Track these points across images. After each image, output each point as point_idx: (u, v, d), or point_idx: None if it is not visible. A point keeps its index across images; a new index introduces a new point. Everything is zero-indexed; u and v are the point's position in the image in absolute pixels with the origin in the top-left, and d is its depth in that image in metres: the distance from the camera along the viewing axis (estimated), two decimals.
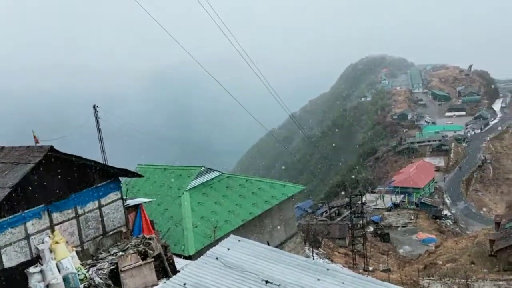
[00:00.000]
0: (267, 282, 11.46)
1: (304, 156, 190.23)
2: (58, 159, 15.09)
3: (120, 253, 15.58)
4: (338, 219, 77.20)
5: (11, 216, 13.93)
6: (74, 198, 15.71)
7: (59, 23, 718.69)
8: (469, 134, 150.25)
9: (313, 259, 37.40)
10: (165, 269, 16.03)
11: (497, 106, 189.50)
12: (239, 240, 13.92)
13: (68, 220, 15.57)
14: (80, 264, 15.02)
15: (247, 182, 28.67)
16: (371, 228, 73.76)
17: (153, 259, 15.52)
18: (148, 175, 27.60)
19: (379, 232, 72.34)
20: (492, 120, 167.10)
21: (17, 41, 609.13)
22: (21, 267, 14.10)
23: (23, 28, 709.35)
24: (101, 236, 16.58)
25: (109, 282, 14.74)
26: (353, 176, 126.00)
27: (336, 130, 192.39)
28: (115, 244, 16.64)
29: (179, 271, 14.05)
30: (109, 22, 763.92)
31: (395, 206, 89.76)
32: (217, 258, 12.78)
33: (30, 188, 14.37)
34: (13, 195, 13.84)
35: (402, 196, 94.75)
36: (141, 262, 15.14)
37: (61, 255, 14.38)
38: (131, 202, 18.75)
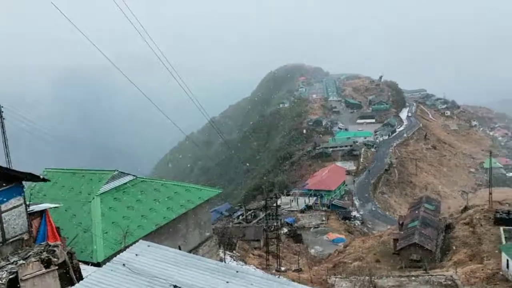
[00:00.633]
0: (175, 286, 11.38)
1: (223, 160, 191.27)
2: None
3: (21, 262, 14.95)
4: (254, 221, 78.69)
5: None
6: None
7: None
8: (377, 140, 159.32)
9: (226, 262, 37.98)
10: (70, 277, 15.61)
11: (403, 114, 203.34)
12: (148, 245, 13.61)
13: None
14: None
15: (162, 186, 28.44)
16: (285, 230, 75.94)
17: (57, 267, 15.04)
18: (55, 180, 26.46)
19: (292, 233, 74.70)
20: (399, 127, 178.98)
21: None
22: None
23: None
24: (0, 244, 15.81)
25: None
26: (269, 180, 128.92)
27: (255, 135, 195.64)
28: (15, 252, 15.95)
29: None
30: (25, 21, 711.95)
31: (308, 208, 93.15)
32: (124, 265, 12.40)
33: None
34: None
35: (315, 198, 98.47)
36: (43, 270, 14.62)
37: None
38: (35, 207, 18.00)
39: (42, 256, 15.17)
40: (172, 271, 12.16)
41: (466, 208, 67.07)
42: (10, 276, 14.37)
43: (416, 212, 65.15)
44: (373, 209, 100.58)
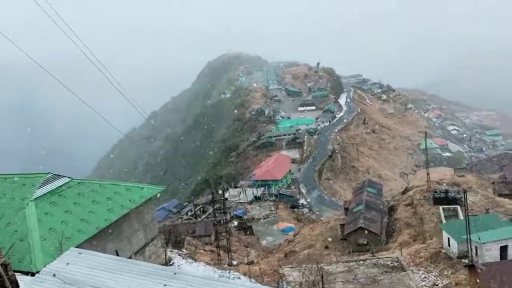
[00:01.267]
0: None
1: (168, 155, 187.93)
2: None
3: None
4: (203, 216, 77.94)
5: None
6: None
7: None
8: (319, 127, 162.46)
9: (174, 261, 37.19)
10: None
11: (342, 100, 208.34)
12: (80, 253, 12.95)
13: None
14: None
15: (101, 187, 27.22)
16: (235, 223, 75.84)
17: None
18: None
19: (243, 225, 74.72)
20: (339, 113, 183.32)
21: None
22: None
23: None
24: None
25: None
26: (216, 173, 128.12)
27: (198, 127, 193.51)
28: None
29: None
30: None
31: (257, 199, 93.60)
32: (54, 275, 11.67)
33: None
34: None
35: (262, 188, 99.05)
36: None
37: None
38: None
39: None
40: (106, 279, 11.66)
41: (406, 190, 69.79)
42: None
43: (360, 196, 67.02)
44: (320, 195, 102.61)
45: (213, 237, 62.50)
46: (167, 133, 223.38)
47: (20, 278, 15.80)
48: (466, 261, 35.48)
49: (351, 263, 48.39)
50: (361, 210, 59.91)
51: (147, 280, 11.54)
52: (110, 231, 24.84)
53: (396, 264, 44.21)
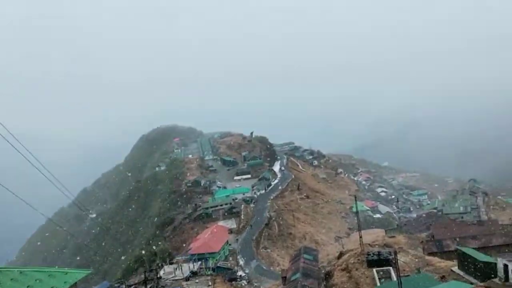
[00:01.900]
0: None
1: (99, 234, 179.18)
2: None
3: None
4: None
5: None
6: None
7: None
8: (255, 195, 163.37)
9: None
10: None
11: (276, 167, 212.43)
12: None
13: None
14: None
15: (21, 274, 25.55)
16: None
17: None
18: None
19: None
20: (274, 181, 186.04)
21: None
22: None
23: None
24: None
25: None
26: (151, 250, 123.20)
27: (131, 202, 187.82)
28: None
29: None
30: None
31: (194, 274, 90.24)
32: None
33: None
34: None
35: (199, 263, 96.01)
36: None
37: None
38: None
39: None
40: None
41: (341, 254, 70.84)
42: None
43: (297, 264, 67.02)
44: (258, 266, 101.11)
45: None
46: (98, 211, 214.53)
47: None
48: None
49: None
50: (298, 279, 59.72)
51: None
52: None
53: None
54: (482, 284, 40.85)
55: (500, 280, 39.53)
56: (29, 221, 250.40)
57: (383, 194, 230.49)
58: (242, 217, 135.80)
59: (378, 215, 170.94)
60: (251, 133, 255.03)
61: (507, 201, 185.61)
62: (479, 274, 45.06)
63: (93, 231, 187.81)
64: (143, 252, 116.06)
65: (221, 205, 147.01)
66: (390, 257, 57.71)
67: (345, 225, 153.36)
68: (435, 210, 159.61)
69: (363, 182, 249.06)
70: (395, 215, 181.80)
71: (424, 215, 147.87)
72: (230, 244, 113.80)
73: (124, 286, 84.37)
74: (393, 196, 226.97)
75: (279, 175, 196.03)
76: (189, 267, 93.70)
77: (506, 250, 65.18)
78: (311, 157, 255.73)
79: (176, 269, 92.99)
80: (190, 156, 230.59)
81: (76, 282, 27.57)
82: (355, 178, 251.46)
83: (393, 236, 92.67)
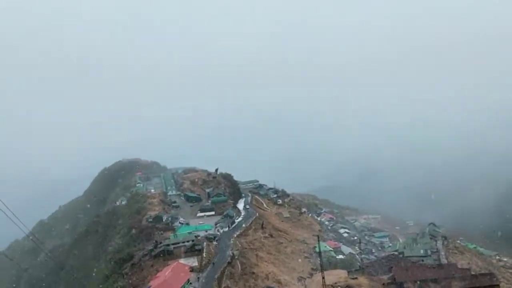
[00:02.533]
0: None
1: (53, 269, 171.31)
2: None
3: None
4: None
5: None
6: None
7: None
8: (219, 233, 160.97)
9: None
10: None
11: (241, 205, 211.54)
12: None
13: None
14: None
15: None
16: None
17: None
18: None
19: None
20: (237, 218, 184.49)
21: None
22: None
23: None
24: None
25: None
26: (109, 287, 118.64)
27: (90, 237, 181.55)
28: None
29: None
30: None
31: None
32: None
33: None
34: None
35: None
36: None
37: None
38: None
39: None
40: None
41: None
42: None
43: None
44: None
45: None
46: (54, 244, 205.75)
47: None
48: None
49: None
50: None
51: None
52: None
53: None
54: None
55: None
56: None
57: (345, 235, 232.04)
58: (204, 255, 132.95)
59: (341, 256, 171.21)
60: (216, 170, 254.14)
61: (465, 245, 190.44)
62: None
63: (48, 265, 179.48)
64: None
65: (183, 242, 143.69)
66: None
67: (308, 265, 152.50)
68: (396, 253, 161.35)
69: (326, 223, 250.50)
70: (357, 256, 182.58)
71: (385, 257, 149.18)
72: (191, 283, 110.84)
73: None
74: (355, 237, 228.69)
75: (243, 213, 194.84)
76: None
77: None
78: (275, 195, 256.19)
79: None
80: (153, 190, 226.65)
81: None
82: (319, 218, 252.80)
83: (356, 278, 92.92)
